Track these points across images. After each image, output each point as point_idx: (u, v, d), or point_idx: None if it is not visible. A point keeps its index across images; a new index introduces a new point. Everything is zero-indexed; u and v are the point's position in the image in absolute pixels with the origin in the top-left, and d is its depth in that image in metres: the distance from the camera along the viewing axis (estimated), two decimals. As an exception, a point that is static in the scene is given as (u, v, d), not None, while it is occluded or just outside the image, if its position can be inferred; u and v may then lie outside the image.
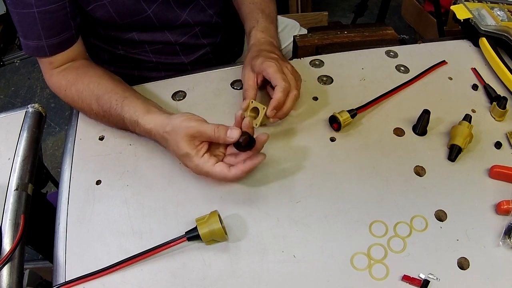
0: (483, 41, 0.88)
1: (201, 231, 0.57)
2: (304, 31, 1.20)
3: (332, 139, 0.73)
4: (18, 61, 2.36)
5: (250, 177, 0.67)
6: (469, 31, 0.91)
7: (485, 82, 0.82)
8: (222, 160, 0.64)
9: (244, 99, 0.72)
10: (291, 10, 2.08)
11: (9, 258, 0.58)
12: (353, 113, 0.73)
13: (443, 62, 0.87)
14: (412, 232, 0.61)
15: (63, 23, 0.72)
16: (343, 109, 0.73)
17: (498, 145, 0.72)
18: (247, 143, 0.61)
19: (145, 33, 0.86)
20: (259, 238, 0.60)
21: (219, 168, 0.62)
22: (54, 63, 0.75)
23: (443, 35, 1.74)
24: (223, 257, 0.59)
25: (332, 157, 0.70)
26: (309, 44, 0.94)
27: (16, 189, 0.66)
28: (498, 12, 0.90)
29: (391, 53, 0.89)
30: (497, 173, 0.67)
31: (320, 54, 0.90)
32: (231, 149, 0.66)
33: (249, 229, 0.61)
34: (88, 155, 0.72)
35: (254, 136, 0.63)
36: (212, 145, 0.65)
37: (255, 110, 0.68)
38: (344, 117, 0.72)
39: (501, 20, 0.88)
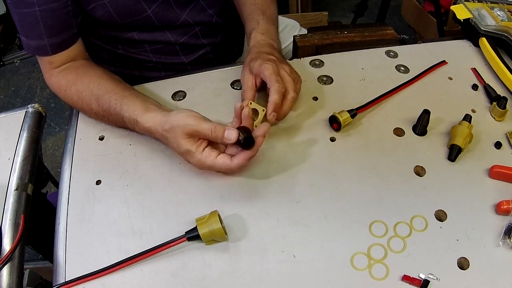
0: (483, 41, 0.88)
1: (201, 231, 0.57)
2: (304, 31, 1.20)
3: (332, 139, 0.73)
4: (18, 61, 2.36)
5: (250, 177, 0.67)
6: (469, 31, 0.91)
7: (485, 82, 0.82)
8: (224, 152, 0.64)
9: (242, 100, 0.72)
10: (291, 10, 2.08)
11: (9, 258, 0.58)
12: (353, 113, 0.73)
13: (443, 62, 0.87)
14: (412, 232, 0.61)
15: (65, 22, 0.72)
16: (343, 109, 0.73)
17: (498, 145, 0.72)
18: (246, 142, 0.61)
19: (145, 33, 0.86)
20: (259, 238, 0.60)
21: (222, 160, 0.62)
22: (54, 63, 0.75)
23: (443, 35, 1.74)
24: (223, 257, 0.59)
25: (332, 157, 0.70)
26: (309, 44, 0.94)
27: (16, 189, 0.66)
28: (498, 12, 0.90)
29: (391, 53, 0.89)
30: (497, 173, 0.67)
31: (320, 54, 0.90)
32: None
33: (249, 229, 0.61)
34: (88, 155, 0.72)
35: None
36: None
37: (255, 112, 0.68)
38: (344, 117, 0.72)
39: (501, 20, 0.88)
